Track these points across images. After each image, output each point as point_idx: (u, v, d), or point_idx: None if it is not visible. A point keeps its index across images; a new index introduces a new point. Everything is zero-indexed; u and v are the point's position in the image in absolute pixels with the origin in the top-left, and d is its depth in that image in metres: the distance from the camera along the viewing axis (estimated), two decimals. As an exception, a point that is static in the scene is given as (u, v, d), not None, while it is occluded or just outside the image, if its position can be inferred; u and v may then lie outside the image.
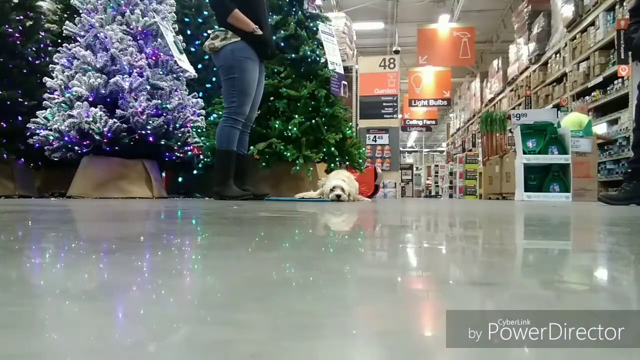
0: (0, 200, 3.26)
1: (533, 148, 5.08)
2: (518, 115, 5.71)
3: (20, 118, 4.02)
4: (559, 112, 6.75)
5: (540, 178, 5.07)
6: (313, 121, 3.76)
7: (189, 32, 4.83)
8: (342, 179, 3.05)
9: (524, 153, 5.03)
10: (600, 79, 6.50)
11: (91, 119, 3.43)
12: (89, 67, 3.63)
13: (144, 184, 3.70)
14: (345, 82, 5.46)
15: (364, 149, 4.83)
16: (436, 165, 17.91)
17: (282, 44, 3.94)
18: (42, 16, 4.56)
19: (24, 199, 3.73)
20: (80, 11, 3.87)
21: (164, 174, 4.40)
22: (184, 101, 3.96)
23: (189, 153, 4.08)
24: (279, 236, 0.82)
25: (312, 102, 3.83)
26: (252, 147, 3.44)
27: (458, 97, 16.22)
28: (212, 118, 4.10)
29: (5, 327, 0.24)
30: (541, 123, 5.22)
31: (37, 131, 3.68)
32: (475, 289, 0.35)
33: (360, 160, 4.22)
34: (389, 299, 0.33)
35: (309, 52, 3.88)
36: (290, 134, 3.67)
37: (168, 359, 0.21)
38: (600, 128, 6.62)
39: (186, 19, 4.94)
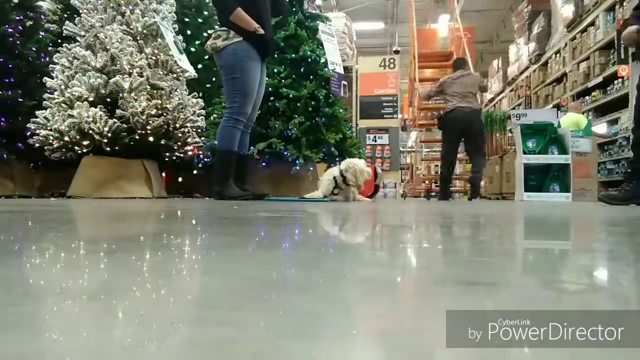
0: (0, 200, 3.26)
1: (533, 148, 5.09)
2: (518, 115, 5.73)
3: (20, 118, 4.02)
4: (559, 112, 6.77)
5: (540, 178, 5.08)
6: (313, 121, 3.77)
7: (189, 32, 4.82)
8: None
9: (524, 153, 5.03)
10: (600, 79, 6.49)
11: (91, 119, 3.43)
12: (89, 67, 3.63)
13: (144, 184, 3.70)
14: (345, 82, 5.45)
15: (363, 149, 4.83)
16: (436, 166, 17.89)
17: (282, 44, 3.94)
18: (42, 16, 4.56)
19: (24, 199, 3.73)
20: (80, 11, 3.87)
21: (163, 174, 4.39)
22: (184, 101, 3.96)
23: (189, 153, 4.08)
24: (279, 236, 0.82)
25: (312, 102, 3.83)
26: (252, 147, 3.44)
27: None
28: (212, 118, 4.10)
29: (5, 327, 0.24)
30: (541, 123, 5.23)
31: (37, 131, 3.67)
32: (475, 289, 0.35)
33: (360, 160, 4.22)
34: (389, 298, 0.33)
35: (309, 52, 3.88)
36: (290, 134, 3.67)
37: (168, 359, 0.21)
38: (600, 128, 6.63)
39: (186, 19, 4.94)
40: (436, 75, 8.86)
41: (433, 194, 6.25)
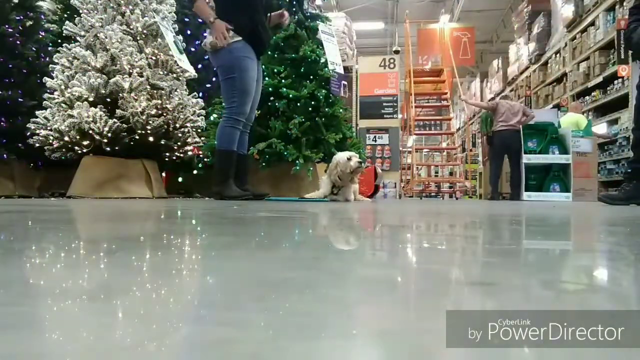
0: (0, 200, 3.26)
1: (534, 148, 5.08)
2: None
3: (20, 118, 4.02)
4: (559, 112, 6.77)
5: (540, 178, 5.07)
6: (313, 121, 3.77)
7: (189, 32, 4.83)
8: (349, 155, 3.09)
9: (525, 153, 5.03)
10: (600, 79, 6.49)
11: (91, 119, 3.43)
12: (89, 67, 3.63)
13: (143, 184, 3.70)
14: (345, 82, 5.46)
15: (364, 149, 4.83)
16: (436, 166, 17.88)
17: (282, 44, 3.94)
18: (42, 16, 4.57)
19: (24, 199, 3.74)
20: (80, 11, 3.86)
21: (163, 174, 4.40)
22: (184, 101, 3.96)
23: (189, 153, 4.08)
24: (279, 236, 0.82)
25: (312, 102, 3.83)
26: (252, 147, 3.44)
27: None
28: (212, 118, 4.10)
29: (5, 327, 0.24)
30: (542, 123, 5.23)
31: (37, 131, 3.68)
32: (475, 289, 0.35)
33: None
34: (389, 298, 0.33)
35: (309, 52, 3.88)
36: (290, 134, 3.67)
37: (168, 359, 0.21)
38: (600, 128, 6.63)
39: (186, 19, 4.94)
40: (427, 90, 9.64)
41: (426, 194, 6.55)
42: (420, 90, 9.40)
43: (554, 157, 4.95)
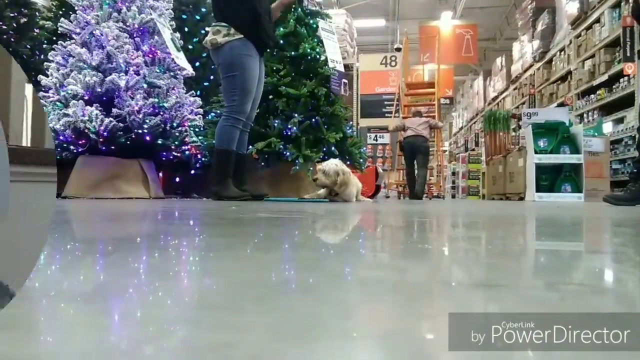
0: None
1: (545, 147, 4.98)
2: (529, 114, 5.65)
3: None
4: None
5: (551, 178, 4.97)
6: (313, 120, 3.75)
7: (186, 29, 4.81)
8: (334, 164, 3.03)
9: (536, 153, 4.92)
10: (605, 77, 6.45)
11: (87, 118, 3.40)
12: (85, 65, 3.60)
13: (140, 184, 3.68)
14: (346, 81, 5.46)
15: (364, 148, 4.82)
16: (438, 165, 17.83)
17: (282, 41, 3.92)
18: (36, 13, 4.54)
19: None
20: (76, 8, 3.83)
21: (160, 174, 4.38)
22: (181, 100, 3.94)
23: (187, 152, 4.06)
24: (278, 237, 0.82)
25: (312, 101, 3.81)
26: (251, 147, 3.42)
27: (461, 96, 16.19)
28: (210, 117, 4.08)
29: (3, 328, 0.24)
30: (553, 122, 5.15)
31: (34, 130, 3.65)
32: (478, 291, 0.35)
33: (361, 160, 4.21)
34: (390, 301, 0.33)
35: (308, 50, 3.87)
36: (289, 133, 3.65)
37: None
38: (606, 127, 6.61)
39: (183, 16, 4.92)
40: (421, 100, 9.74)
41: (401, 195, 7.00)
42: (413, 103, 9.22)
43: (565, 157, 4.85)
